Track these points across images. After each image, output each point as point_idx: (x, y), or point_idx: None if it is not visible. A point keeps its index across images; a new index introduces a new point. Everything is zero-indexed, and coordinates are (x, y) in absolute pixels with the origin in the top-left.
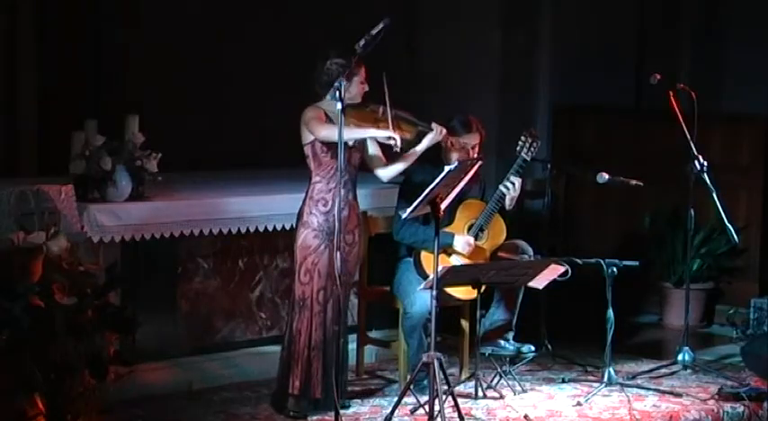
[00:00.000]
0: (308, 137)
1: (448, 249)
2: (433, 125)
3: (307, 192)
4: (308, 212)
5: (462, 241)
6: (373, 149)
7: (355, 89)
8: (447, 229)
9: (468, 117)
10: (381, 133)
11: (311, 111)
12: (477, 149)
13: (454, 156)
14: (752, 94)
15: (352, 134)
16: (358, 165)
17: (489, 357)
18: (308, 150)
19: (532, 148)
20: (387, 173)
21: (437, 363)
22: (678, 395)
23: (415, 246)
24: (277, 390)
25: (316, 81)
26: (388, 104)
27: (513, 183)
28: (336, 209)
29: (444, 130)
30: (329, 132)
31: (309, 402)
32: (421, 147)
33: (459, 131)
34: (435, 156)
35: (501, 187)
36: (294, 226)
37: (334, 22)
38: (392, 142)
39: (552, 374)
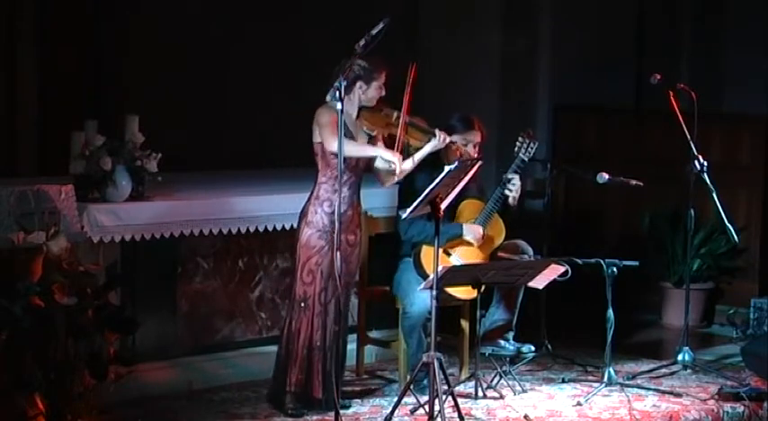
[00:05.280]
0: (317, 136)
1: (447, 248)
2: (437, 132)
3: (312, 192)
4: (313, 212)
5: (472, 230)
6: (380, 162)
7: (373, 92)
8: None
9: (468, 115)
10: (384, 154)
11: (326, 116)
12: (477, 148)
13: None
14: (752, 94)
15: (355, 152)
16: (364, 168)
17: (489, 357)
18: (317, 149)
19: (530, 149)
20: (388, 183)
21: (437, 363)
22: (678, 395)
23: (425, 241)
24: (274, 388)
25: (334, 77)
26: (402, 111)
27: (513, 183)
28: (336, 209)
29: (447, 138)
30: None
31: (308, 400)
32: (419, 155)
33: (459, 129)
34: (435, 155)
35: (504, 190)
36: (296, 224)
37: (334, 22)
38: (392, 166)
39: (552, 374)
